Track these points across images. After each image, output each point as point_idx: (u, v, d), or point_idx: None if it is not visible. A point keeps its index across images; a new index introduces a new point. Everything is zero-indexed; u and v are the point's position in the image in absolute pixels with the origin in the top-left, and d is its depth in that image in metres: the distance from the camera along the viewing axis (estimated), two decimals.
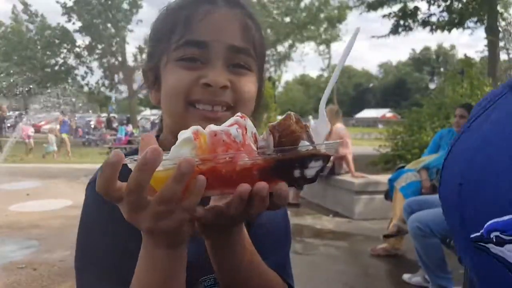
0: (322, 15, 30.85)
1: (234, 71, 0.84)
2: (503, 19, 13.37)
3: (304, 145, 0.58)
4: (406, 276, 3.97)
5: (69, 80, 31.23)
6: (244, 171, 0.55)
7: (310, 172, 0.59)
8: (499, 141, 0.47)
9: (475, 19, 12.85)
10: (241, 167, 0.54)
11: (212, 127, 0.58)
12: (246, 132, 0.59)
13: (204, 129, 0.60)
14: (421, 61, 74.95)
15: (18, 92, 25.64)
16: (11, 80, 25.83)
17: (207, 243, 0.72)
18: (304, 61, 70.76)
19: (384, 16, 13.86)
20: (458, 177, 0.52)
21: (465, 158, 0.52)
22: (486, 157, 0.48)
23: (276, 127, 0.60)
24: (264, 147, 0.61)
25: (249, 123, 0.60)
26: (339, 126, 6.85)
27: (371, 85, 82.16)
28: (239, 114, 0.61)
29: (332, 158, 5.50)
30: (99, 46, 30.66)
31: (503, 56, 13.59)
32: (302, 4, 29.93)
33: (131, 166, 0.57)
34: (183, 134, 0.56)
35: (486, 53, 14.50)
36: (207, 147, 0.56)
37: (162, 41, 0.86)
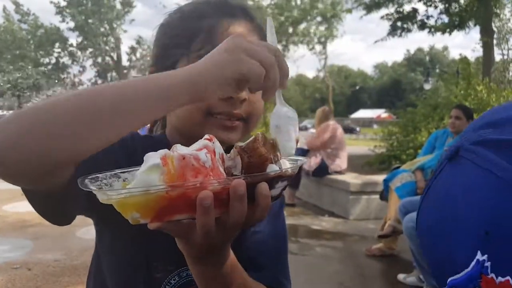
0: (315, 12, 30.83)
1: None
2: (500, 20, 13.44)
3: (272, 170, 0.60)
4: (401, 276, 3.98)
5: (63, 78, 31.18)
6: (214, 195, 0.55)
7: (275, 191, 0.62)
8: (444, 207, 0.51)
9: (473, 21, 12.87)
10: (211, 191, 0.55)
11: (179, 149, 0.58)
12: (214, 156, 0.59)
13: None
14: (415, 61, 75.25)
15: (12, 91, 25.54)
16: (4, 79, 25.71)
17: (195, 268, 0.72)
18: (299, 61, 70.78)
19: (382, 17, 13.88)
20: (425, 228, 0.55)
21: (428, 212, 0.55)
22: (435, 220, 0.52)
23: (245, 149, 0.62)
24: (231, 167, 0.63)
25: (217, 144, 0.62)
26: (330, 122, 6.87)
27: (357, 87, 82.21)
28: (207, 136, 0.62)
29: (322, 158, 5.53)
30: (92, 45, 30.63)
31: (497, 57, 13.65)
32: (293, 3, 29.96)
33: (97, 193, 0.57)
34: (151, 158, 0.55)
35: (477, 53, 14.62)
36: (175, 171, 0.55)
37: (180, 47, 0.88)
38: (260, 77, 0.61)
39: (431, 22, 13.44)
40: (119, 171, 0.65)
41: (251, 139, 0.63)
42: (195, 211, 0.55)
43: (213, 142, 0.61)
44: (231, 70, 0.61)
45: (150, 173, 0.54)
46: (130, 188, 0.54)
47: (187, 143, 0.65)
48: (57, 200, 0.68)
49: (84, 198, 0.72)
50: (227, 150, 0.66)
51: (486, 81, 9.65)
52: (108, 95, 0.58)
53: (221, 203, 0.57)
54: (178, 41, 0.89)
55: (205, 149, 0.58)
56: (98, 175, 0.62)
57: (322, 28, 34.22)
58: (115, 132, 0.59)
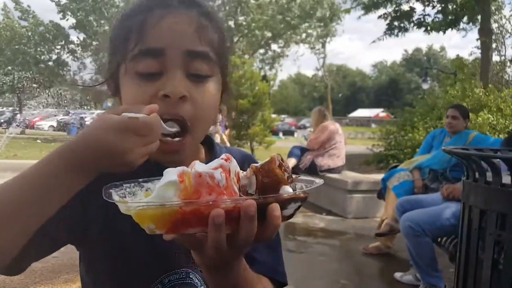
0: (314, 13, 30.79)
1: (193, 79, 0.81)
2: (496, 21, 13.43)
3: (285, 192, 0.62)
4: (397, 275, 4.00)
5: (63, 75, 31.05)
6: (226, 212, 0.57)
7: (288, 211, 0.64)
8: None
9: (467, 20, 12.86)
10: (223, 209, 0.57)
11: (197, 167, 0.60)
12: (229, 175, 0.62)
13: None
14: (414, 62, 75.27)
15: (13, 88, 25.45)
16: (5, 78, 25.64)
17: (208, 278, 0.73)
18: (299, 61, 70.79)
19: (379, 16, 13.83)
20: None
21: None
22: None
23: (260, 170, 0.64)
24: (246, 185, 0.65)
25: (233, 163, 0.64)
26: (328, 122, 6.88)
27: (357, 82, 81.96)
28: (224, 156, 0.63)
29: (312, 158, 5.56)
30: (94, 43, 30.52)
31: (495, 58, 13.63)
32: (294, 4, 29.88)
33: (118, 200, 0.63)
34: (169, 175, 0.59)
35: (475, 54, 14.56)
36: (191, 188, 0.58)
37: (119, 49, 0.83)
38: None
39: (428, 20, 13.39)
40: (143, 181, 0.70)
41: (267, 160, 0.64)
42: (207, 225, 0.57)
43: (230, 162, 0.63)
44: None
45: (167, 189, 0.58)
46: (148, 202, 0.58)
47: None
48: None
49: (64, 236, 0.83)
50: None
51: (486, 83, 9.67)
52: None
53: (233, 220, 0.59)
54: (116, 43, 0.85)
55: (220, 169, 0.60)
56: (123, 183, 0.67)
57: (320, 30, 34.24)
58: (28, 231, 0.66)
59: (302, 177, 0.71)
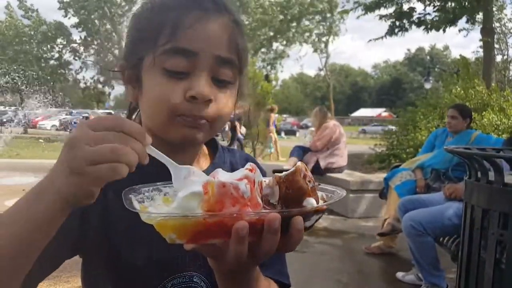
0: (312, 9, 30.85)
1: (217, 84, 0.83)
2: (498, 20, 13.38)
3: (309, 204, 0.61)
4: (399, 274, 4.00)
5: (65, 74, 31.11)
6: (250, 224, 0.57)
7: (309, 223, 0.64)
8: None
9: (466, 18, 12.80)
10: (247, 221, 0.57)
11: (220, 175, 0.60)
12: (254, 185, 0.61)
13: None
14: (415, 61, 75.12)
15: (16, 87, 25.50)
16: (7, 77, 25.69)
17: (222, 284, 0.73)
18: (302, 60, 70.81)
19: (380, 17, 13.77)
20: None
21: None
22: None
23: (284, 180, 0.63)
24: (268, 194, 0.64)
25: (257, 173, 0.63)
26: (331, 122, 6.87)
27: (358, 81, 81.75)
28: (248, 166, 0.63)
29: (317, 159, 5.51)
30: (95, 42, 30.58)
31: (498, 57, 13.57)
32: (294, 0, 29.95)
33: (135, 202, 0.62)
34: (193, 185, 0.58)
35: (478, 53, 14.49)
36: (214, 197, 0.58)
37: (147, 41, 0.83)
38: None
39: (428, 19, 13.30)
40: (161, 185, 0.69)
41: (291, 170, 0.63)
42: (229, 236, 0.57)
43: (254, 172, 0.62)
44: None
45: (191, 200, 0.57)
46: (171, 213, 0.58)
47: (161, 145, 0.68)
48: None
49: (68, 250, 0.84)
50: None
51: (489, 82, 9.64)
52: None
53: (255, 231, 0.58)
54: (144, 35, 0.85)
55: (245, 180, 0.60)
56: (141, 187, 0.66)
57: (321, 27, 34.27)
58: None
59: (322, 185, 0.70)
